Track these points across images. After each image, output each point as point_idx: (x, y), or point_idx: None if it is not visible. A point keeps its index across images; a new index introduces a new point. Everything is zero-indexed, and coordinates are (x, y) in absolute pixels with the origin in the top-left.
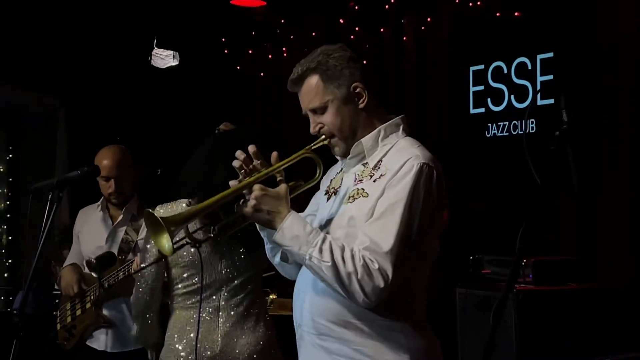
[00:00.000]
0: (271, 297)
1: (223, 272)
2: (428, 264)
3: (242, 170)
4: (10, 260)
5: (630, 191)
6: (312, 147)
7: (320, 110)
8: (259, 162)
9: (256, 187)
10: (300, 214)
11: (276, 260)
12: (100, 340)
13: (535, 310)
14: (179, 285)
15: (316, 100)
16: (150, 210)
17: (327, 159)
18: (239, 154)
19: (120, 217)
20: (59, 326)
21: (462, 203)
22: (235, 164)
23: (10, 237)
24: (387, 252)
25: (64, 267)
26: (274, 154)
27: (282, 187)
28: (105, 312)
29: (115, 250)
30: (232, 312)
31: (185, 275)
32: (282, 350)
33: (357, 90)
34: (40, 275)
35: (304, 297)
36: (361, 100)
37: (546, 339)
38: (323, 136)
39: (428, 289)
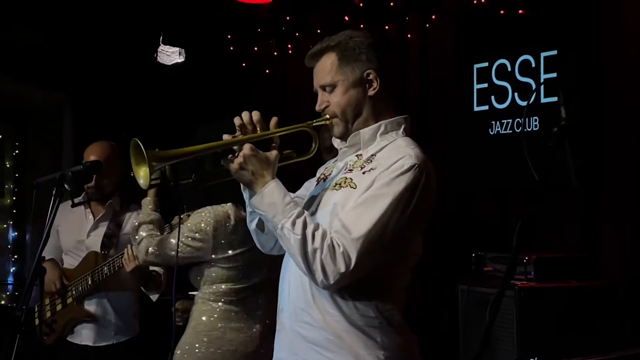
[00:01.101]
0: None
1: (265, 273)
2: (408, 265)
3: (240, 129)
4: (16, 256)
5: (633, 188)
6: (313, 124)
7: (330, 88)
8: (258, 125)
9: (247, 146)
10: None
11: (252, 226)
12: (82, 335)
13: (537, 307)
14: (228, 284)
15: (328, 78)
16: (138, 141)
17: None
18: (244, 113)
19: (103, 212)
20: (37, 321)
21: (465, 200)
22: (236, 121)
23: (16, 233)
24: (355, 239)
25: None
26: (273, 120)
27: (273, 153)
28: (86, 306)
29: (98, 245)
30: (269, 312)
31: (237, 275)
32: None
33: (370, 77)
34: (44, 270)
35: (288, 283)
36: (371, 88)
37: (547, 335)
38: (327, 115)
39: (407, 290)
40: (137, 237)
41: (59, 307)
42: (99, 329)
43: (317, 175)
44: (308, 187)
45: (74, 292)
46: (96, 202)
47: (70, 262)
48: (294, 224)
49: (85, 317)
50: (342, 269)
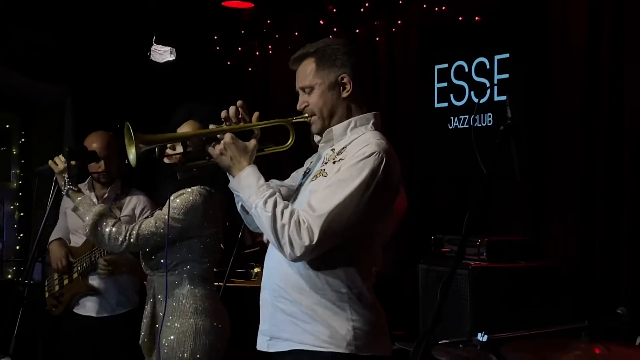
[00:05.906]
0: (256, 270)
1: None
2: (377, 245)
3: (225, 121)
4: (22, 234)
5: (576, 181)
6: (293, 120)
7: (309, 89)
8: (240, 116)
9: (228, 135)
10: (275, 180)
11: (238, 207)
12: (87, 307)
13: (488, 285)
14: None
15: (306, 81)
16: (129, 124)
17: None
18: (231, 107)
19: (106, 195)
20: (47, 294)
21: (427, 188)
22: (223, 114)
23: (22, 214)
24: (318, 216)
25: (50, 242)
26: (255, 114)
27: (251, 142)
28: (90, 281)
29: None
30: None
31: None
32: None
33: (344, 80)
34: (44, 248)
35: (269, 264)
36: (345, 90)
37: (497, 310)
38: (306, 114)
39: (377, 269)
40: (105, 232)
41: (66, 281)
42: (101, 302)
43: (304, 167)
44: (294, 177)
45: (78, 268)
46: (100, 185)
47: (77, 240)
48: (265, 202)
49: (88, 291)
50: (307, 242)
